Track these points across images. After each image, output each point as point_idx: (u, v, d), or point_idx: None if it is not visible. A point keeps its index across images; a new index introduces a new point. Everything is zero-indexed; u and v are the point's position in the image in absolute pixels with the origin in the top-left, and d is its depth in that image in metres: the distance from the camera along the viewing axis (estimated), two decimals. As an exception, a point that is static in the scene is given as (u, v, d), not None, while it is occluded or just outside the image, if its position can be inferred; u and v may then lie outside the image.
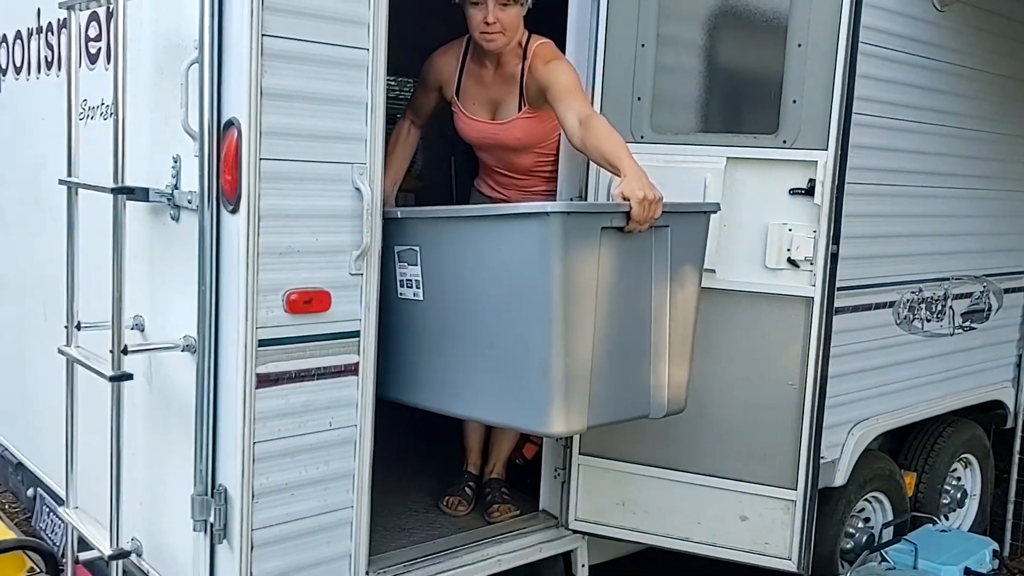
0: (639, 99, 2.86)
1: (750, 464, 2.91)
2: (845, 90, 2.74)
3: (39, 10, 3.13)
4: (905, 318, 4.01)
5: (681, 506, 2.97)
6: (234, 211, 2.22)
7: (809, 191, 2.76)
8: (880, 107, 3.49)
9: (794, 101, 2.76)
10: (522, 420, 2.48)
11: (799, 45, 2.74)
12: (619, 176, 2.51)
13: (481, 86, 3.04)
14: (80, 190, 2.52)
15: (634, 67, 2.83)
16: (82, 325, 2.54)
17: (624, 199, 2.41)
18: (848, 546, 4.08)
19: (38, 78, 3.17)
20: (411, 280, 2.61)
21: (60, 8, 2.52)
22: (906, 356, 4.04)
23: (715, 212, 2.70)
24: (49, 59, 3.08)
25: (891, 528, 4.11)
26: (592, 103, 2.88)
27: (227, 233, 2.25)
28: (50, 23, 3.06)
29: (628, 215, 2.41)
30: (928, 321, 4.14)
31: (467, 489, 3.29)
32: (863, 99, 3.25)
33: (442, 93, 3.13)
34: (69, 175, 2.51)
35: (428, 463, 3.60)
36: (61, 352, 2.55)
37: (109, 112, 2.67)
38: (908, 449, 4.49)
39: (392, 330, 2.64)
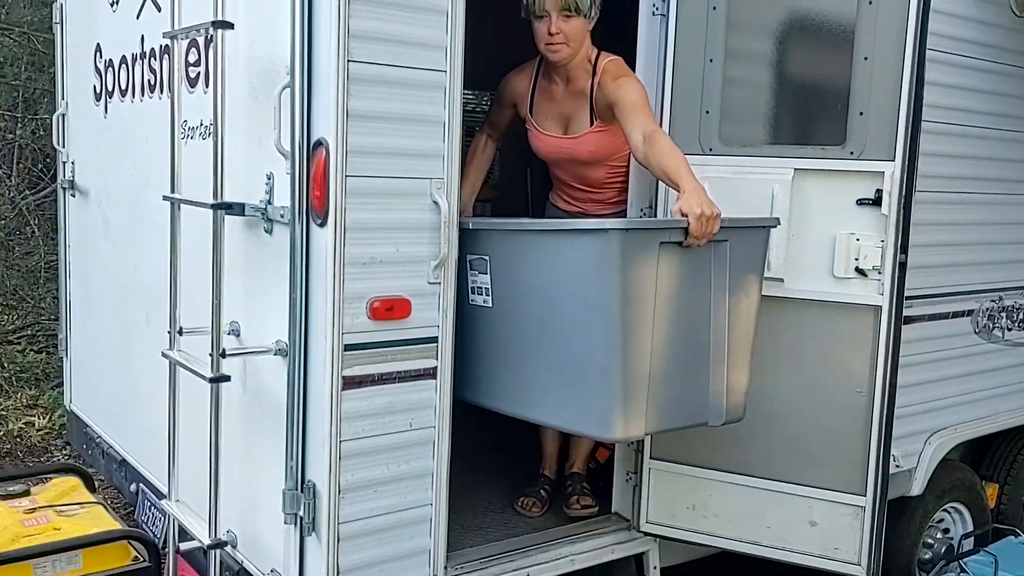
0: (707, 112, 2.93)
1: (819, 469, 2.93)
2: (912, 102, 2.77)
3: (143, 37, 3.36)
4: (985, 327, 3.96)
5: (751, 510, 3.02)
6: (322, 224, 2.37)
7: (876, 201, 2.78)
8: (954, 114, 3.49)
9: (861, 113, 2.80)
10: (583, 425, 2.58)
11: (865, 58, 2.77)
12: (679, 191, 2.59)
13: (552, 102, 3.16)
14: (182, 205, 2.71)
15: (702, 81, 2.90)
16: (183, 330, 2.72)
17: (683, 215, 2.48)
18: (926, 556, 4.04)
19: (142, 100, 3.40)
20: (481, 287, 2.74)
21: (164, 37, 2.71)
22: (986, 365, 3.99)
23: (774, 227, 2.75)
24: (152, 82, 3.30)
25: (971, 539, 4.06)
26: (661, 117, 2.96)
27: (316, 245, 2.40)
28: (153, 49, 3.28)
29: (686, 230, 2.48)
30: (1009, 330, 4.08)
31: (542, 492, 3.39)
32: (934, 107, 3.27)
33: (517, 110, 3.26)
34: (172, 191, 2.70)
35: (504, 464, 3.70)
36: (164, 355, 2.74)
37: (207, 132, 2.87)
38: (990, 460, 4.42)
39: (465, 334, 2.76)
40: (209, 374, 2.48)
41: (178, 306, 2.73)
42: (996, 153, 3.75)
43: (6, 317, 7.18)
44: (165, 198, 2.71)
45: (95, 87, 3.84)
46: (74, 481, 3.40)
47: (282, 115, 2.39)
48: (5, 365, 6.41)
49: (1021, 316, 4.14)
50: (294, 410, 2.46)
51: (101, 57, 3.77)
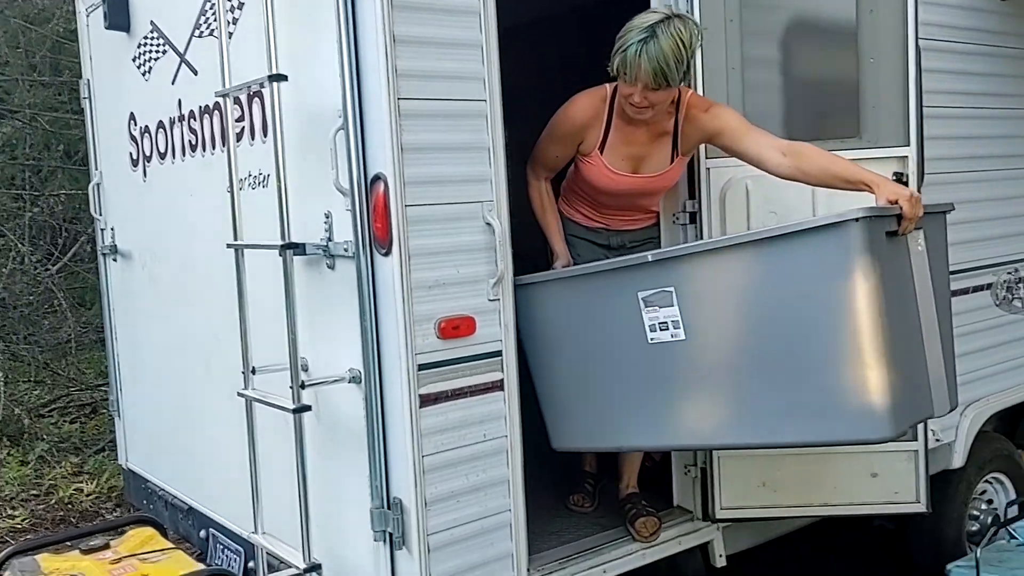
0: (735, 117, 3.10)
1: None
2: (918, 93, 3.05)
3: (180, 100, 3.52)
4: (1004, 299, 4.11)
5: (817, 475, 3.19)
6: (387, 254, 2.52)
7: (898, 182, 2.96)
8: (958, 98, 3.69)
9: (873, 107, 3.04)
10: (848, 431, 2.44)
11: (872, 59, 3.04)
12: (862, 190, 2.63)
13: (631, 145, 3.04)
14: (245, 251, 2.85)
15: (727, 88, 3.07)
16: (256, 370, 2.86)
17: (890, 203, 2.50)
18: (974, 528, 4.14)
19: (183, 160, 3.56)
20: (666, 322, 2.63)
21: (216, 95, 2.88)
22: (1009, 336, 4.13)
23: (951, 211, 2.79)
24: (193, 142, 3.46)
25: (1016, 507, 4.17)
26: None
27: (382, 273, 2.55)
28: (191, 111, 3.44)
29: (898, 219, 2.50)
30: (1028, 300, 4.22)
31: (587, 486, 3.55)
32: (937, 92, 3.48)
33: (579, 146, 3.10)
34: (235, 239, 2.85)
35: (550, 469, 3.75)
36: (240, 395, 2.87)
37: (256, 182, 3.03)
38: (1023, 429, 4.54)
39: (644, 376, 2.70)
40: (291, 405, 2.61)
41: (249, 348, 2.86)
42: (998, 131, 3.93)
43: (35, 392, 7.32)
44: (229, 246, 2.86)
45: (131, 154, 3.99)
46: (149, 531, 3.50)
47: (339, 156, 2.55)
48: (44, 438, 6.53)
49: (1038, 286, 4.28)
50: (375, 431, 2.59)
51: (136, 125, 3.93)
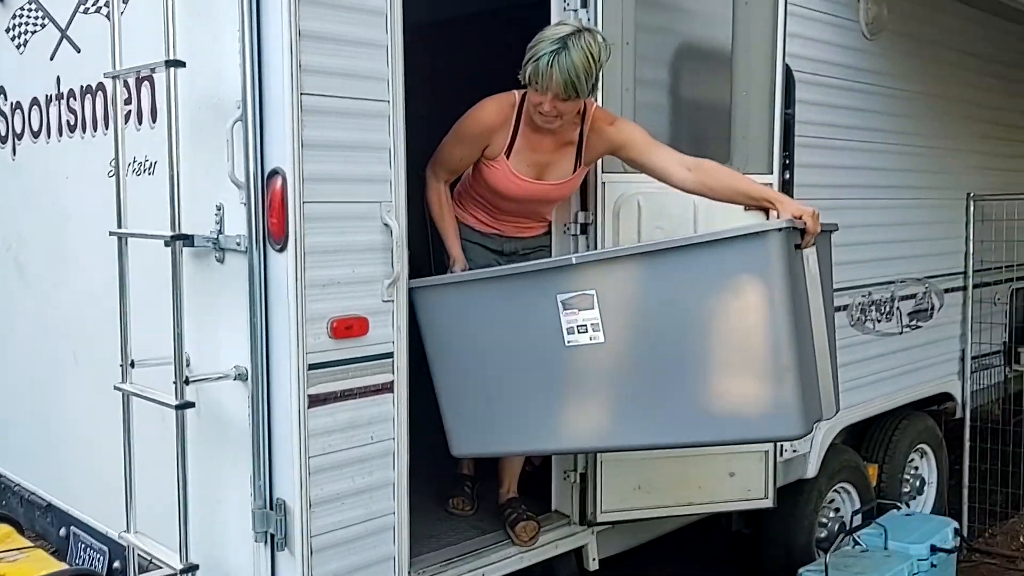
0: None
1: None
2: (784, 124, 3.35)
3: (59, 78, 3.36)
4: (858, 319, 4.40)
5: (685, 477, 3.36)
6: (281, 250, 2.48)
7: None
8: (824, 129, 3.94)
9: (743, 137, 3.26)
10: (765, 429, 2.55)
11: (744, 92, 3.26)
12: (766, 206, 2.76)
13: (536, 152, 3.07)
14: (129, 239, 2.75)
15: (620, 107, 3.15)
16: (136, 363, 2.75)
17: (796, 219, 2.61)
18: (822, 535, 4.41)
19: (59, 141, 3.39)
20: (584, 325, 2.63)
21: (106, 76, 2.76)
22: (862, 355, 4.42)
23: (835, 231, 2.94)
24: (71, 123, 3.30)
25: (860, 515, 4.46)
26: None
27: (275, 270, 2.50)
28: (71, 90, 3.29)
29: (802, 232, 2.62)
30: (879, 321, 4.53)
31: (466, 489, 3.57)
32: (805, 123, 3.72)
33: (484, 150, 3.10)
34: (119, 227, 2.74)
35: (427, 471, 3.76)
36: (118, 388, 2.76)
37: (142, 169, 2.92)
38: (869, 442, 4.85)
39: (558, 380, 2.70)
40: (174, 401, 2.53)
41: (129, 340, 2.76)
42: (861, 163, 4.21)
43: None
44: (112, 233, 2.75)
45: (-1, 130, 3.79)
46: (6, 528, 3.31)
47: (235, 148, 2.49)
48: None
49: (888, 309, 4.61)
50: (260, 430, 2.54)
51: (6, 100, 3.72)
